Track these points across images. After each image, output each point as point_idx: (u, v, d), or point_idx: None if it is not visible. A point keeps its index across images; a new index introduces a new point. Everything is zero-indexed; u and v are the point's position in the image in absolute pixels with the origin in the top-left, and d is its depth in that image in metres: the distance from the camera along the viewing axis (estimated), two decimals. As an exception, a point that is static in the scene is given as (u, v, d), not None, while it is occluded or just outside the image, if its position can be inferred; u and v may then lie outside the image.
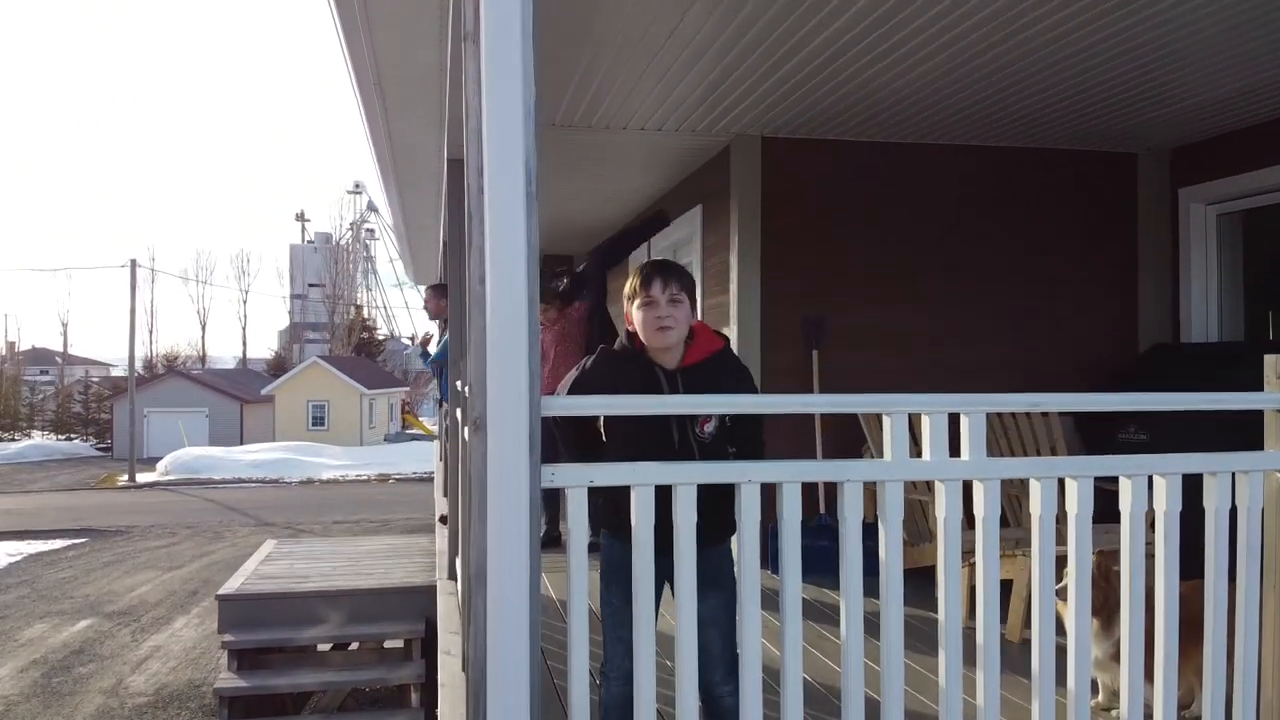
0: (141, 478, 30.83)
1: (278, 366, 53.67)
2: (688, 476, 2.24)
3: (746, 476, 2.27)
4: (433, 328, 8.26)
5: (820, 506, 5.78)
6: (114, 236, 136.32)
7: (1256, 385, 5.55)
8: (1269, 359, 2.67)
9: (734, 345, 5.91)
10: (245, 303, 72.17)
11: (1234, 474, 2.57)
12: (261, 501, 25.07)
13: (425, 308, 7.60)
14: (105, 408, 43.79)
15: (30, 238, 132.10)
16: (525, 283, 2.07)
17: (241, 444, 37.70)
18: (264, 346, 71.40)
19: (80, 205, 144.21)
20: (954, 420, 2.36)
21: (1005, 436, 5.84)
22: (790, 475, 2.30)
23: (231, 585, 6.22)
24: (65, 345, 64.46)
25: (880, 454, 5.68)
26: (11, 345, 62.96)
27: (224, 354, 69.48)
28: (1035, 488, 2.43)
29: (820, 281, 6.03)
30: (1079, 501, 2.44)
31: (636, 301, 2.64)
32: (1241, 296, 6.13)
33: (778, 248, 5.97)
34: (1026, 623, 4.34)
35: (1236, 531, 2.60)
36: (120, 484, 30.34)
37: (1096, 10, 3.87)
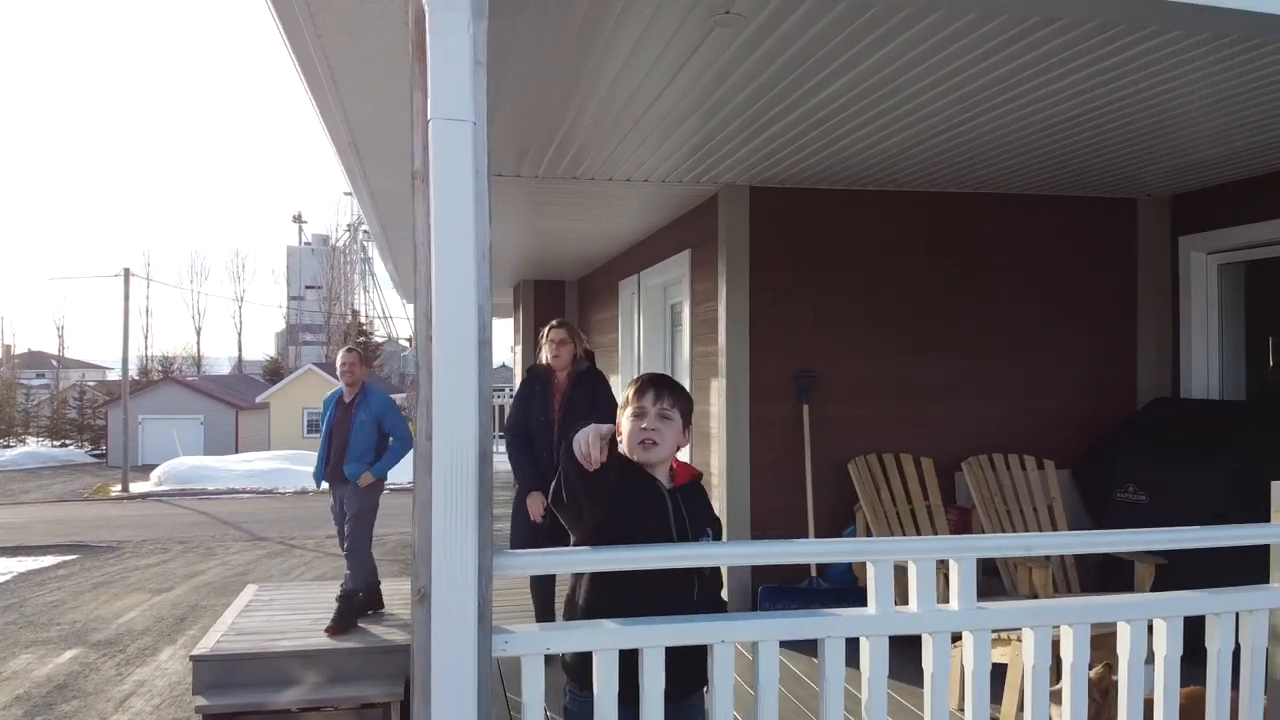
0: (136, 487, 30.62)
1: (274, 371, 53.46)
2: (657, 639, 2.09)
3: (720, 637, 2.12)
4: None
5: (811, 569, 5.62)
6: (110, 239, 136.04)
7: (1255, 447, 5.39)
8: (1276, 488, 2.50)
9: (723, 397, 5.80)
10: (241, 307, 71.86)
11: (1238, 614, 2.41)
12: (255, 514, 24.88)
13: (342, 373, 6.58)
14: (100, 414, 43.55)
15: (25, 240, 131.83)
16: (475, 442, 1.92)
17: (237, 451, 37.48)
18: (260, 350, 71.20)
19: (76, 208, 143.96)
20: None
21: (1001, 492, 5.69)
22: (769, 633, 2.15)
23: (207, 644, 6.05)
24: (61, 349, 64.21)
25: (870, 512, 5.52)
26: (8, 349, 62.72)
27: (221, 355, 69.30)
28: (1029, 637, 2.28)
29: (811, 333, 5.87)
30: (1074, 650, 2.29)
31: (628, 410, 2.49)
32: (1244, 350, 5.97)
33: (767, 299, 5.82)
34: (1021, 706, 4.19)
35: (1239, 669, 2.45)
36: (114, 494, 30.15)
37: (1085, 85, 3.72)
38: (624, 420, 2.50)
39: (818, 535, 5.69)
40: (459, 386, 1.90)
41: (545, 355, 5.20)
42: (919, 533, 5.50)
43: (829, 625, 2.17)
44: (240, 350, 67.65)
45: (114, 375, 52.89)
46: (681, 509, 2.45)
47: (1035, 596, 4.99)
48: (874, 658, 2.19)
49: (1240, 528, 2.50)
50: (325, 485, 6.59)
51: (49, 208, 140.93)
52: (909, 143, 4.68)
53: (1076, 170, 5.38)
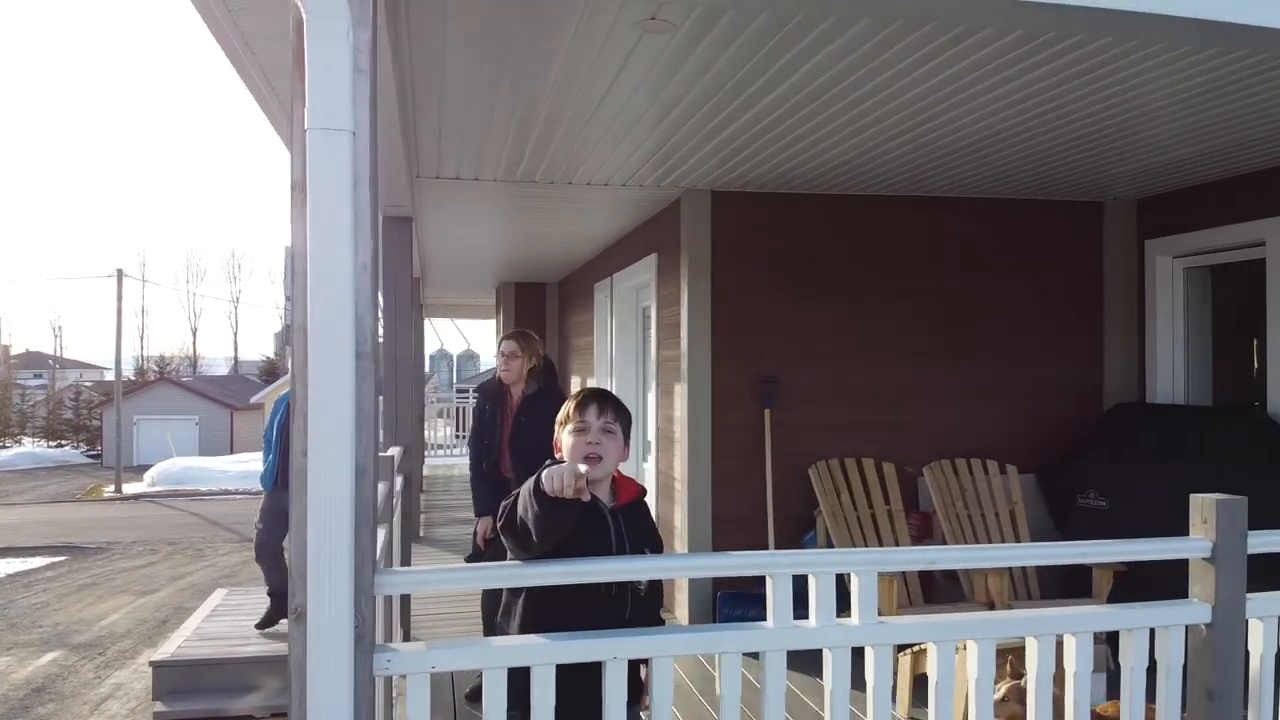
0: (129, 488, 30.62)
1: (271, 371, 53.44)
2: (545, 656, 2.06)
3: (612, 653, 2.08)
4: None
5: (770, 575, 5.59)
6: (106, 239, 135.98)
7: (1214, 452, 5.35)
8: (1194, 501, 2.47)
9: (685, 402, 5.77)
10: (237, 308, 71.72)
11: (1153, 630, 2.37)
12: (246, 515, 24.77)
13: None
14: (96, 414, 43.57)
15: (21, 241, 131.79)
16: (351, 457, 1.89)
17: (232, 452, 37.48)
18: (258, 350, 71.16)
19: (72, 209, 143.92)
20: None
21: (964, 496, 5.65)
22: (662, 649, 2.12)
23: (168, 649, 6.02)
24: (59, 350, 64.29)
25: (830, 517, 5.49)
26: (5, 349, 62.69)
27: (218, 355, 69.26)
28: (932, 651, 2.25)
29: (774, 338, 5.84)
30: (979, 665, 2.26)
31: (569, 426, 2.45)
32: (1210, 355, 5.93)
33: (729, 303, 5.79)
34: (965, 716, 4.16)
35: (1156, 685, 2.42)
36: (106, 495, 30.15)
37: (1032, 89, 3.69)
38: (564, 436, 2.46)
39: (777, 540, 5.67)
40: (333, 400, 1.87)
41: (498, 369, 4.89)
42: (879, 538, 5.47)
43: (724, 640, 2.14)
44: (236, 351, 67.66)
45: (111, 375, 52.91)
46: (623, 529, 2.40)
47: (991, 603, 4.96)
48: (771, 672, 2.16)
49: (1158, 544, 2.46)
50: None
51: (45, 208, 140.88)
52: (861, 148, 4.65)
53: (1040, 173, 5.34)
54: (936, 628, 2.25)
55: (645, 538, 2.46)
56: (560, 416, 2.52)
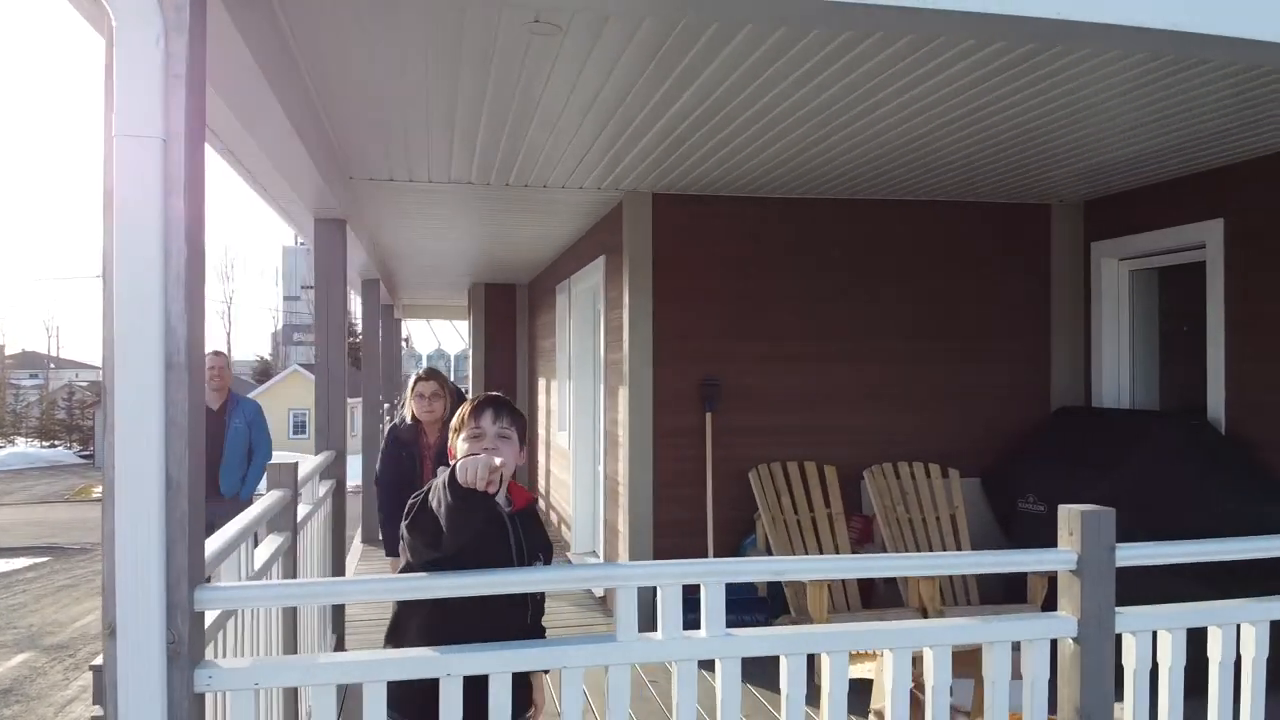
0: (118, 489, 30.63)
1: (264, 371, 53.44)
2: (375, 674, 2.02)
3: (447, 670, 2.04)
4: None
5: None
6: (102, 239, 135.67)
7: (1154, 460, 5.29)
8: (1063, 512, 2.44)
9: (626, 406, 5.73)
10: (230, 308, 71.39)
11: (1017, 644, 2.33)
12: (233, 516, 24.81)
13: (209, 378, 6.01)
14: (89, 414, 43.57)
15: (15, 241, 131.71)
16: (160, 470, 1.86)
17: (223, 452, 37.42)
18: (250, 350, 71.15)
19: (69, 209, 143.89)
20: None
21: (904, 500, 5.62)
22: (499, 665, 2.08)
23: (108, 654, 6.00)
24: (55, 349, 64.34)
25: (769, 521, 5.45)
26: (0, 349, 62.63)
27: (215, 356, 69.00)
28: (784, 664, 2.21)
29: (716, 341, 5.80)
30: (831, 678, 2.22)
31: (464, 433, 2.43)
32: (1156, 358, 5.89)
33: (671, 306, 5.75)
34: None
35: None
36: (95, 495, 30.13)
37: (953, 87, 3.64)
38: (459, 443, 2.45)
39: (716, 545, 5.63)
40: (139, 413, 1.83)
41: (411, 410, 4.75)
42: (819, 542, 5.44)
43: (566, 655, 2.11)
44: (229, 350, 67.53)
45: (105, 375, 52.63)
46: (520, 534, 2.41)
47: (923, 608, 4.93)
48: (614, 687, 2.12)
49: (1029, 554, 2.42)
50: None
51: (42, 209, 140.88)
52: (788, 151, 4.60)
53: (980, 175, 5.29)
54: (787, 640, 2.21)
55: (538, 543, 2.48)
56: (454, 423, 2.51)
